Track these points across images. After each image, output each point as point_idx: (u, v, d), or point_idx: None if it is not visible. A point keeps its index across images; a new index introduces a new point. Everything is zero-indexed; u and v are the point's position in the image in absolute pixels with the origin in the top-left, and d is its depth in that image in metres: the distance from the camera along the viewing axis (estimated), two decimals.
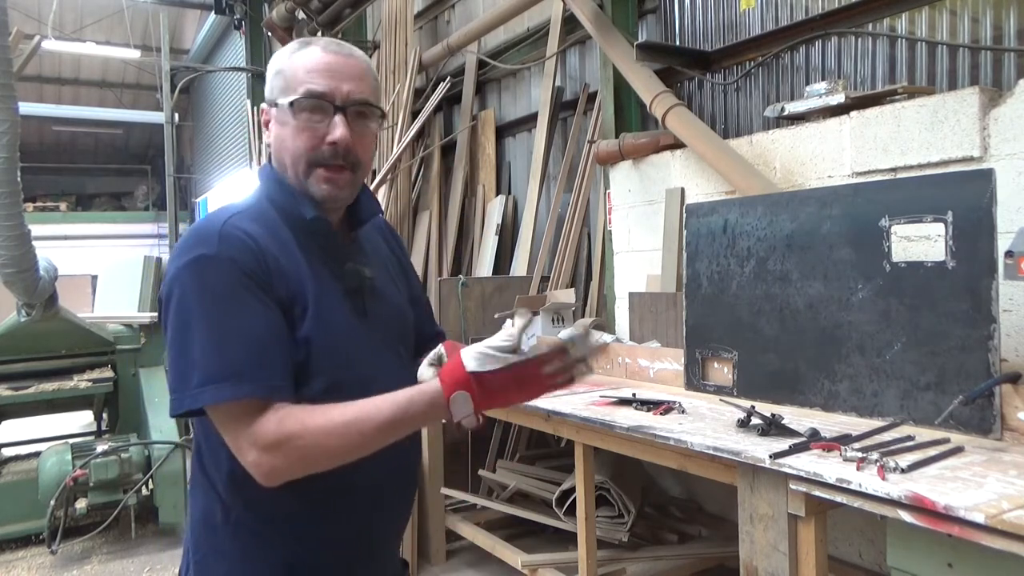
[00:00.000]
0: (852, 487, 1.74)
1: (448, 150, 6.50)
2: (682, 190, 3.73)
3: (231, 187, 13.89)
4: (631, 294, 3.91)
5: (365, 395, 1.20)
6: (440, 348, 1.39)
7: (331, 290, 1.30)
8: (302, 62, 1.30)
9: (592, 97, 4.80)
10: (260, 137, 7.65)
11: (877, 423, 2.34)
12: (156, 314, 5.89)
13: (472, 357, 1.17)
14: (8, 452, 4.83)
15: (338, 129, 1.27)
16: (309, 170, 1.30)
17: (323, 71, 1.28)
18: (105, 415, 5.32)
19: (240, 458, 1.17)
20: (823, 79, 3.38)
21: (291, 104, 1.28)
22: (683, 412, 2.60)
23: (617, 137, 4.12)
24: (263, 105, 1.37)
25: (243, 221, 1.26)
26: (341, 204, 1.36)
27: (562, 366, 1.19)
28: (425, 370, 1.36)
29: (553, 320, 4.15)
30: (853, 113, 2.97)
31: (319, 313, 1.25)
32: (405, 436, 1.25)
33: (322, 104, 1.28)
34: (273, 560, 1.29)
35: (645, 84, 3.87)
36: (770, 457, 1.94)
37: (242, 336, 1.16)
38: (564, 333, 1.25)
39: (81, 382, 4.65)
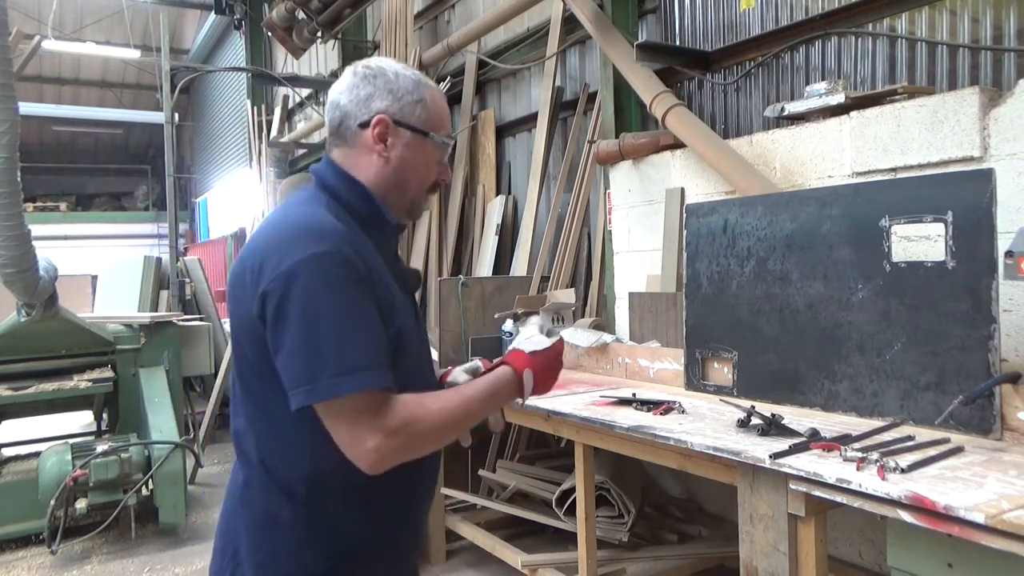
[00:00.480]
0: (852, 487, 1.74)
1: None
2: (682, 190, 3.73)
3: (231, 187, 13.90)
4: (631, 294, 3.91)
5: (421, 385, 1.34)
6: (476, 360, 1.59)
7: (399, 291, 1.38)
8: (441, 104, 1.44)
9: (592, 97, 4.80)
10: (260, 137, 7.66)
11: (877, 423, 2.34)
12: (156, 314, 5.89)
13: (524, 344, 1.46)
14: (8, 452, 4.83)
15: (449, 171, 1.48)
16: (426, 195, 1.46)
17: (449, 121, 1.48)
18: (105, 415, 5.32)
19: (356, 445, 1.19)
20: (823, 79, 3.38)
21: (439, 143, 1.43)
22: (683, 412, 2.61)
23: (617, 137, 4.12)
24: (382, 115, 1.37)
25: (336, 223, 1.30)
26: None
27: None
28: (460, 375, 1.54)
29: (553, 320, 4.15)
30: (853, 113, 2.97)
31: (399, 312, 1.34)
32: None
33: (449, 149, 1.48)
34: (341, 550, 1.33)
35: (645, 84, 3.87)
36: (770, 457, 1.94)
37: (368, 330, 1.23)
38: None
39: (81, 382, 4.65)
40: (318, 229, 1.26)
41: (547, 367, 1.47)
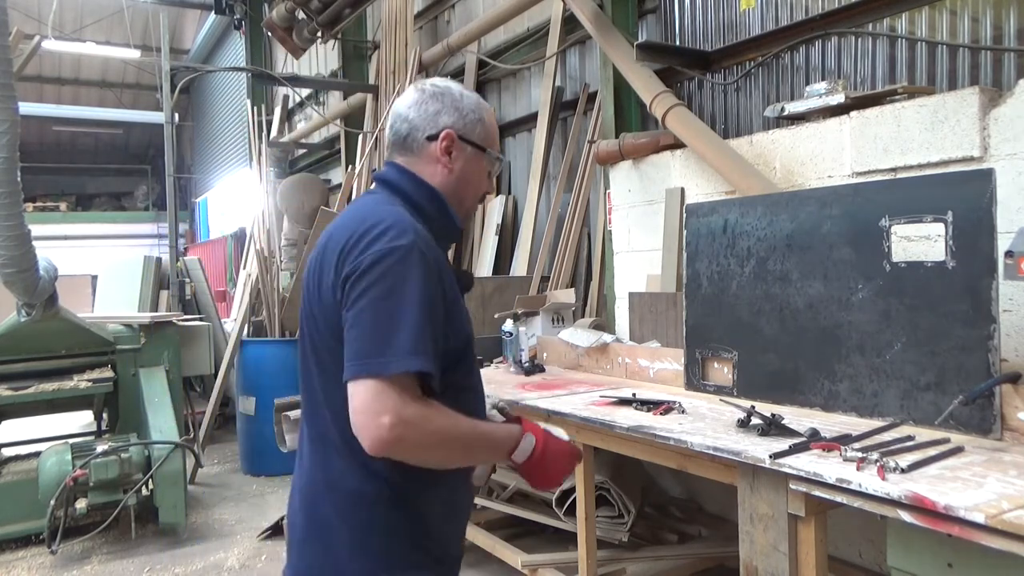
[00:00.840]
0: (852, 487, 1.74)
1: None
2: (682, 190, 3.73)
3: (231, 187, 13.90)
4: (631, 294, 3.91)
5: (478, 371, 1.55)
6: (504, 403, 1.78)
7: (456, 286, 1.48)
8: (494, 124, 1.61)
9: (592, 97, 4.80)
10: (260, 137, 7.65)
11: (877, 423, 2.34)
12: (156, 314, 5.90)
13: (553, 430, 1.56)
14: (8, 452, 4.82)
15: (493, 185, 1.63)
16: (477, 204, 1.64)
17: (498, 140, 1.64)
18: (105, 415, 5.31)
19: (370, 417, 1.25)
20: (823, 79, 3.38)
21: (493, 158, 1.59)
22: (683, 412, 2.60)
23: (617, 137, 4.12)
24: (449, 130, 1.52)
25: (415, 221, 1.41)
26: None
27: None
28: (492, 412, 1.70)
29: (553, 320, 4.15)
30: (853, 113, 2.97)
31: (462, 309, 1.47)
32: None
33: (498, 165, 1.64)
34: (420, 529, 1.44)
35: (645, 84, 3.87)
36: (770, 457, 1.94)
37: (431, 321, 1.32)
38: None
39: (81, 382, 4.64)
40: (401, 224, 1.36)
41: (555, 455, 1.51)
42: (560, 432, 1.55)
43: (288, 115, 10.45)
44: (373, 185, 1.58)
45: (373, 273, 1.30)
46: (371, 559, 1.40)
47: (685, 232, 3.16)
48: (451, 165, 1.53)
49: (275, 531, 4.47)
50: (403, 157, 1.54)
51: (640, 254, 4.04)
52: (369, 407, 1.25)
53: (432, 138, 1.51)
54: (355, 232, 1.36)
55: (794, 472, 1.87)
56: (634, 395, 2.86)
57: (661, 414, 2.59)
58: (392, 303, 1.30)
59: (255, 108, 8.00)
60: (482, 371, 1.75)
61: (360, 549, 1.39)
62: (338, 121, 8.21)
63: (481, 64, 6.06)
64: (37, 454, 4.54)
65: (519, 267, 5.26)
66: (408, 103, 1.54)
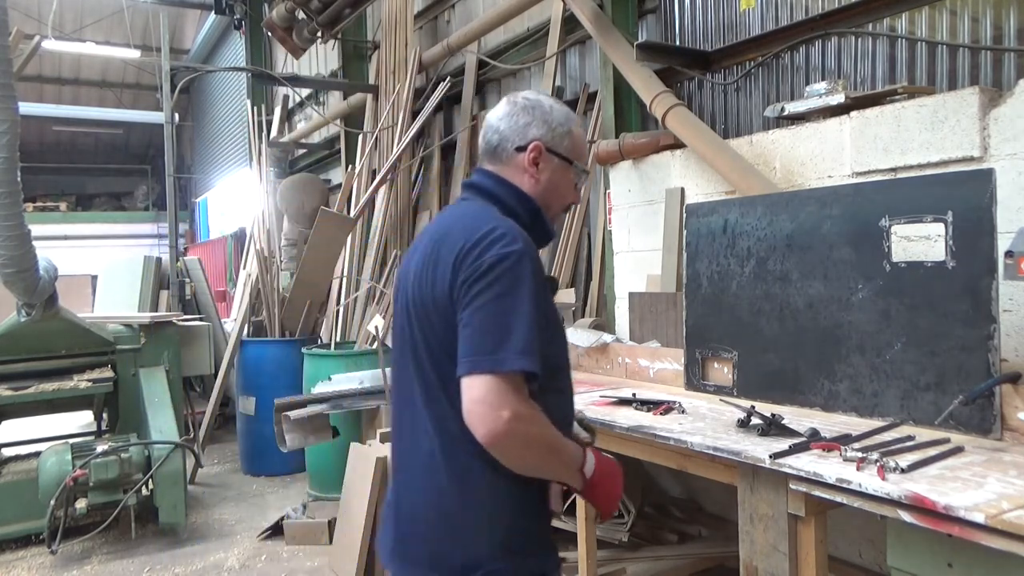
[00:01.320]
0: (852, 487, 1.74)
1: (448, 150, 6.50)
2: (682, 190, 3.73)
3: (231, 187, 13.90)
4: (631, 294, 3.91)
5: (568, 372, 1.62)
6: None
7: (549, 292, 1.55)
8: (583, 139, 1.67)
9: (592, 97, 4.80)
10: (260, 137, 7.65)
11: (877, 423, 2.34)
12: (156, 314, 5.90)
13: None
14: (8, 452, 4.82)
15: (581, 195, 1.67)
16: (562, 212, 1.69)
17: (587, 155, 1.70)
18: (105, 415, 5.31)
19: (491, 411, 1.33)
20: (823, 79, 3.38)
21: (579, 171, 1.65)
22: (683, 412, 2.61)
23: (617, 137, 4.12)
24: (537, 142, 1.59)
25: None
26: None
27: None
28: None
29: None
30: (853, 113, 2.97)
31: (552, 306, 1.54)
32: None
33: (584, 178, 1.70)
34: (537, 512, 1.53)
35: (645, 84, 3.87)
36: (770, 457, 1.94)
37: (541, 324, 1.40)
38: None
39: (81, 382, 4.64)
40: (513, 232, 1.45)
41: (611, 473, 1.57)
42: (606, 456, 1.59)
43: (288, 115, 10.44)
44: (464, 191, 1.65)
45: (490, 276, 1.39)
46: (499, 543, 1.46)
47: (685, 232, 3.16)
48: (538, 176, 1.60)
49: (275, 531, 4.47)
50: (493, 166, 1.62)
51: (640, 254, 4.04)
52: (488, 400, 1.33)
53: (521, 149, 1.59)
54: (471, 238, 1.43)
55: (794, 472, 1.87)
56: (634, 395, 2.86)
57: (661, 414, 2.59)
58: (507, 305, 1.38)
59: (255, 108, 8.00)
60: None
61: (488, 534, 1.46)
62: (338, 121, 8.21)
63: (481, 64, 6.06)
64: (37, 454, 4.54)
65: None
66: (500, 115, 1.62)
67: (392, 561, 1.58)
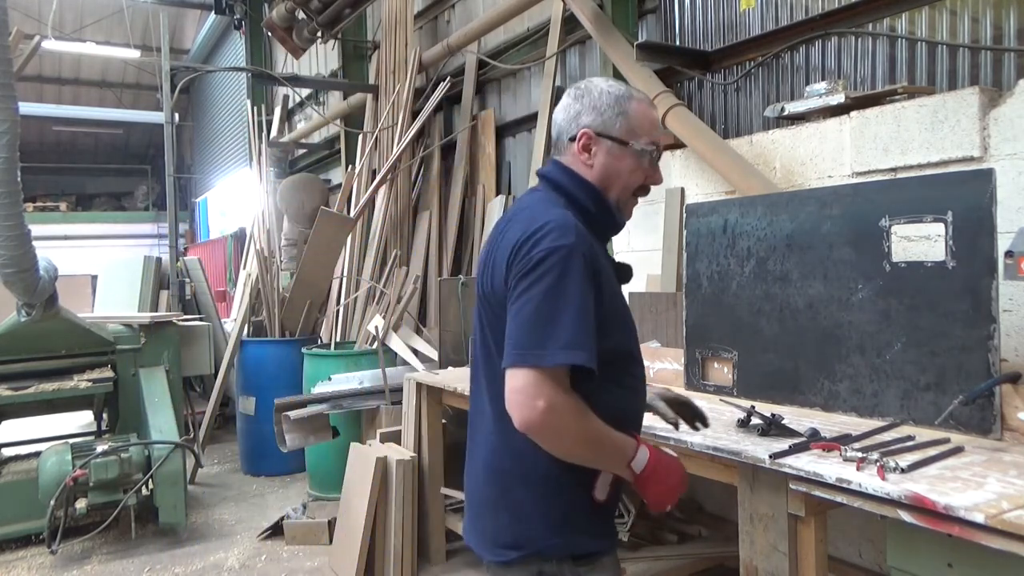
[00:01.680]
0: (852, 487, 1.74)
1: (448, 150, 6.50)
2: (682, 190, 3.73)
3: (231, 187, 13.91)
4: (631, 294, 3.91)
5: (641, 364, 1.64)
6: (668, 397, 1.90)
7: (615, 281, 1.60)
8: (644, 114, 1.62)
9: None
10: (260, 137, 7.65)
11: (877, 423, 2.34)
12: (156, 314, 5.89)
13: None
14: (8, 452, 4.82)
15: (660, 174, 1.63)
16: (631, 198, 1.64)
17: (656, 127, 1.63)
18: (105, 415, 5.31)
19: (527, 400, 1.38)
20: (823, 79, 3.38)
21: (636, 148, 1.59)
22: None
23: None
24: (586, 129, 1.60)
25: (576, 221, 1.51)
26: None
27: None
28: (657, 402, 1.86)
29: None
30: (853, 113, 2.97)
31: (619, 299, 1.58)
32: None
33: (655, 153, 1.62)
34: (589, 500, 1.55)
35: (645, 84, 3.87)
36: (770, 457, 1.94)
37: (587, 318, 1.42)
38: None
39: (81, 382, 4.64)
40: (565, 226, 1.47)
41: (667, 469, 1.55)
42: (672, 452, 1.60)
43: (288, 115, 10.45)
44: (537, 181, 1.69)
45: (538, 270, 1.42)
46: (552, 521, 1.53)
47: (685, 232, 3.16)
48: (590, 162, 1.61)
49: (275, 531, 4.47)
50: (559, 156, 1.66)
51: (640, 254, 4.05)
52: (526, 390, 1.39)
53: (573, 139, 1.61)
54: (527, 230, 1.47)
55: (794, 472, 1.87)
56: None
57: None
58: (552, 298, 1.41)
59: (255, 108, 8.00)
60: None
61: (541, 512, 1.53)
62: (338, 121, 8.21)
63: (481, 64, 6.06)
64: (37, 454, 4.54)
65: None
66: (560, 107, 1.67)
67: (469, 538, 1.69)
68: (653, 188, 1.71)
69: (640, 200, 1.71)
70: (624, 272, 1.67)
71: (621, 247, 4.16)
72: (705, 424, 1.98)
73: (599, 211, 1.60)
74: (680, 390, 3.05)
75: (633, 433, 1.58)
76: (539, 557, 1.53)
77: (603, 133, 1.60)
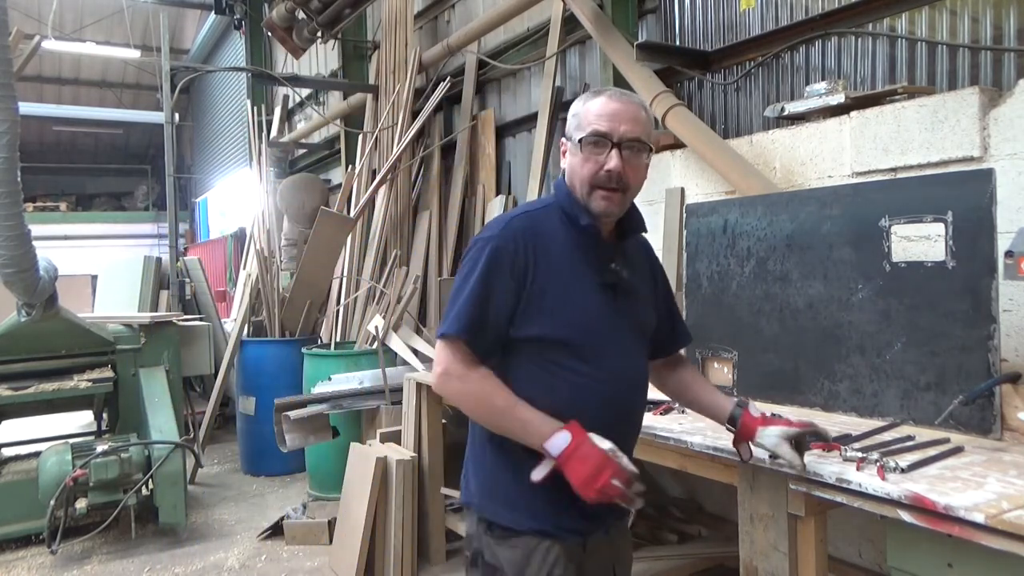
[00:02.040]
0: (852, 487, 1.74)
1: (448, 150, 6.50)
2: (682, 190, 3.73)
3: (231, 187, 13.91)
4: None
5: (605, 360, 1.66)
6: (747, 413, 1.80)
7: (588, 279, 1.68)
8: (592, 108, 1.66)
9: None
10: (260, 137, 7.65)
11: (877, 423, 2.34)
12: (156, 314, 5.90)
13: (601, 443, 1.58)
14: (8, 452, 4.82)
15: (612, 160, 1.63)
16: (591, 191, 1.66)
17: (606, 115, 1.64)
18: (105, 415, 5.31)
19: (435, 368, 1.66)
20: (823, 79, 3.38)
21: (580, 140, 1.65)
22: (683, 412, 2.60)
23: None
24: (563, 139, 1.73)
25: (525, 220, 1.68)
26: (613, 218, 1.71)
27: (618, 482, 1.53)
28: (782, 447, 1.73)
29: None
30: (853, 113, 2.97)
31: (571, 294, 1.65)
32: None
33: (602, 141, 1.63)
34: (515, 476, 1.65)
35: (645, 84, 3.87)
36: (770, 457, 1.93)
37: (483, 304, 1.61)
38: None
39: (81, 382, 4.64)
40: (498, 222, 1.69)
41: (582, 457, 1.54)
42: (604, 443, 1.55)
43: (288, 115, 10.44)
44: None
45: (463, 259, 1.68)
46: (482, 487, 1.73)
47: (685, 232, 3.16)
48: (563, 166, 1.74)
49: (275, 531, 4.47)
50: None
51: None
52: (436, 357, 1.67)
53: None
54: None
55: (794, 472, 1.87)
56: None
57: (661, 414, 2.59)
58: (461, 282, 1.64)
59: (255, 108, 8.00)
60: None
61: (478, 477, 1.75)
62: (338, 121, 8.21)
63: (481, 64, 6.06)
64: (37, 454, 4.54)
65: None
66: None
67: None
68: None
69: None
70: (609, 276, 1.69)
71: None
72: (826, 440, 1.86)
73: (571, 208, 1.69)
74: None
75: (571, 420, 1.58)
76: (474, 510, 1.74)
77: (566, 137, 1.72)
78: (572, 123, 1.70)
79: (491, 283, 1.61)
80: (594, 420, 1.61)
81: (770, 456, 1.80)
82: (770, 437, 1.73)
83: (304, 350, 5.27)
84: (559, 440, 1.54)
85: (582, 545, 1.69)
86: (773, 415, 1.83)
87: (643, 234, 1.85)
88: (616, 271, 1.70)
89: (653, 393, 2.96)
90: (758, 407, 1.84)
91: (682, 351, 2.02)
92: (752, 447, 1.82)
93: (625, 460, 1.55)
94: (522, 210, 1.74)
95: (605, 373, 1.66)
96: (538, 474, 1.58)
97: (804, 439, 1.76)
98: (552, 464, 1.57)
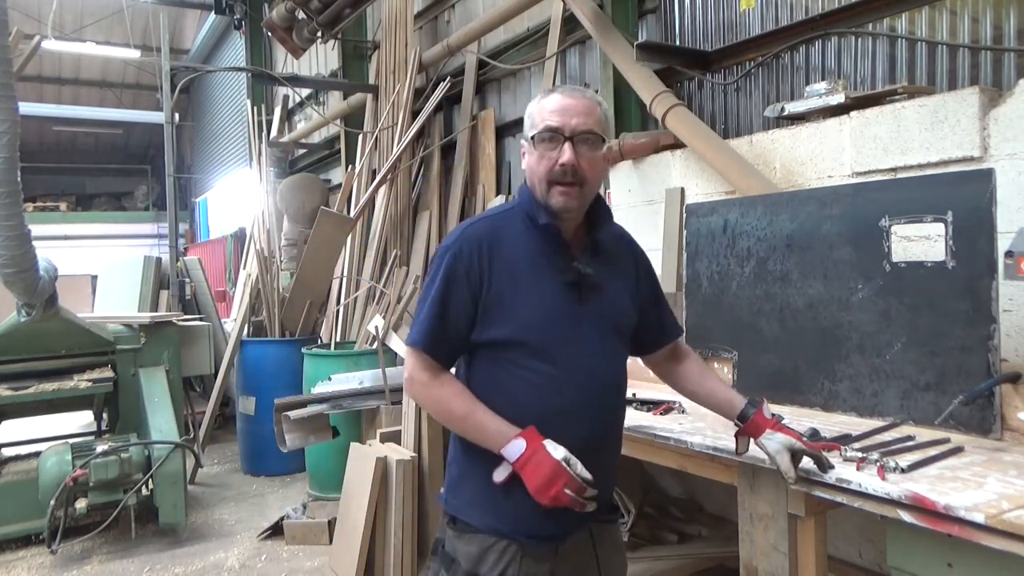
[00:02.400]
0: (852, 487, 1.74)
1: (448, 150, 6.50)
2: (682, 190, 3.73)
3: (231, 187, 13.90)
4: None
5: (569, 360, 1.65)
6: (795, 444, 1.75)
7: (550, 279, 1.67)
8: (545, 105, 1.67)
9: None
10: (260, 137, 7.65)
11: (877, 423, 2.34)
12: (156, 314, 5.90)
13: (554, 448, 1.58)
14: (8, 452, 4.82)
15: (566, 154, 1.62)
16: (549, 187, 1.65)
17: (558, 110, 1.64)
18: (105, 415, 5.31)
19: (406, 372, 1.72)
20: (823, 79, 3.38)
21: (533, 138, 1.66)
22: (683, 412, 2.60)
23: (617, 137, 4.12)
24: (522, 141, 1.73)
25: (484, 226, 1.71)
26: (574, 213, 1.68)
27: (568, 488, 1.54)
28: (775, 443, 1.74)
29: None
30: (853, 113, 2.97)
31: (531, 295, 1.65)
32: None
33: (555, 136, 1.63)
34: (482, 474, 1.66)
35: (645, 84, 3.87)
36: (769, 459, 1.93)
37: (442, 314, 1.65)
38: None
39: (81, 382, 4.64)
40: (458, 230, 1.71)
41: (535, 465, 1.55)
42: (558, 451, 1.55)
43: (288, 115, 10.44)
44: None
45: (432, 265, 1.71)
46: (451, 481, 1.78)
47: (685, 232, 3.16)
48: (524, 165, 1.73)
49: (275, 531, 4.47)
50: None
51: None
52: (405, 363, 1.73)
53: None
54: None
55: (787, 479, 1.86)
56: (634, 395, 2.85)
57: (661, 414, 2.59)
58: (425, 291, 1.70)
59: (255, 108, 8.00)
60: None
61: (449, 472, 1.80)
62: (338, 121, 8.21)
63: (481, 64, 6.06)
64: (37, 454, 4.54)
65: None
66: None
67: None
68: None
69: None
70: (570, 272, 1.67)
71: None
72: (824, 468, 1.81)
73: (531, 209, 1.69)
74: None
75: (529, 426, 1.58)
76: (442, 503, 1.78)
77: (525, 137, 1.71)
78: (527, 123, 1.70)
79: (448, 292, 1.64)
80: (557, 421, 1.61)
81: (769, 458, 1.79)
82: (774, 443, 1.73)
83: (304, 350, 5.27)
84: (514, 448, 1.56)
85: (554, 549, 1.68)
86: (783, 423, 1.80)
87: (621, 227, 1.87)
88: (579, 268, 1.68)
89: (649, 392, 2.98)
90: (771, 408, 1.83)
91: (684, 344, 2.02)
92: (751, 444, 1.82)
93: (579, 468, 1.54)
94: (482, 216, 1.77)
95: (568, 373, 1.65)
96: (499, 475, 1.61)
97: (803, 456, 1.75)
98: (511, 467, 1.59)
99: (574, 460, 1.55)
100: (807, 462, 1.76)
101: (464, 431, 1.67)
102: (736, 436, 1.85)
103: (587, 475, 1.55)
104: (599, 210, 1.74)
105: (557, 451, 1.55)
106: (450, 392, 1.66)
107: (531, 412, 1.61)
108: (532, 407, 1.62)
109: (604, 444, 1.74)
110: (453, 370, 1.76)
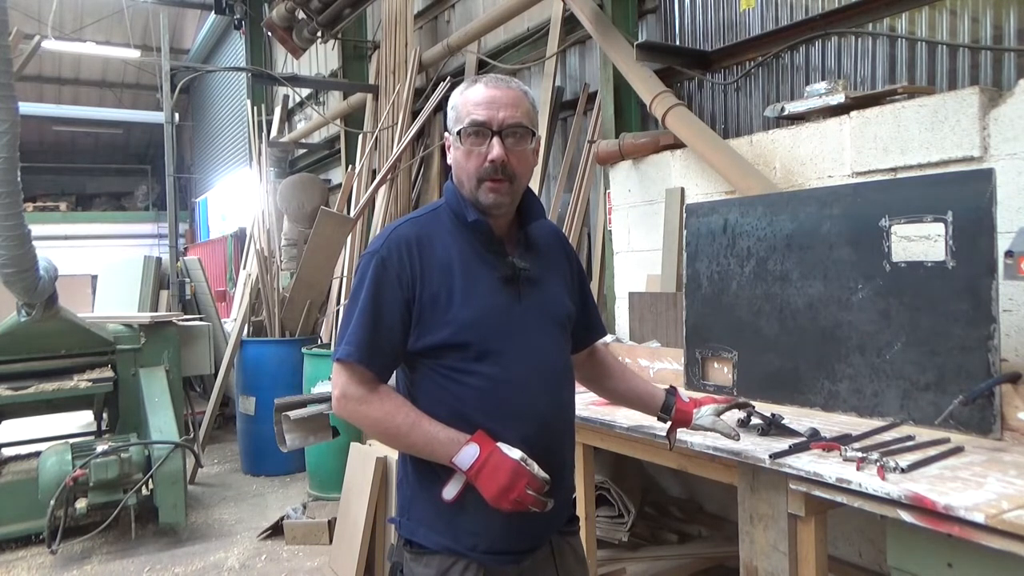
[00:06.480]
0: (852, 487, 1.74)
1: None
2: (682, 190, 3.73)
3: (231, 187, 13.90)
4: (631, 294, 3.91)
5: (514, 359, 1.58)
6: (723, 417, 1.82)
7: (485, 276, 1.60)
8: (470, 97, 1.59)
9: (592, 97, 4.80)
10: (260, 137, 7.65)
11: (877, 423, 2.34)
12: (156, 314, 5.90)
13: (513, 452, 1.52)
14: (8, 452, 4.82)
15: (494, 150, 1.54)
16: (478, 184, 1.57)
17: (483, 103, 1.56)
18: (105, 415, 5.31)
19: (334, 391, 1.58)
20: (823, 79, 3.38)
21: (459, 133, 1.57)
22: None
23: (617, 137, 4.12)
24: (446, 135, 1.65)
25: (411, 227, 1.62)
26: (506, 209, 1.62)
27: (528, 490, 1.48)
28: (707, 417, 1.81)
29: None
30: (853, 113, 2.97)
31: (468, 295, 1.57)
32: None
33: (482, 130, 1.55)
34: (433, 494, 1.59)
35: (645, 84, 3.87)
36: (770, 457, 1.94)
37: (374, 322, 1.55)
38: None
39: (81, 382, 4.64)
40: (382, 235, 1.62)
41: (493, 468, 1.48)
42: (514, 452, 1.50)
43: (288, 115, 10.44)
44: None
45: (357, 274, 1.62)
46: (402, 501, 1.68)
47: (685, 232, 3.16)
48: (450, 160, 1.64)
49: (275, 531, 4.47)
50: None
51: (640, 254, 4.04)
52: (334, 381, 1.59)
53: None
54: None
55: (794, 472, 1.87)
56: None
57: None
58: (351, 301, 1.60)
59: (255, 108, 8.00)
60: None
61: (400, 491, 1.71)
62: (338, 121, 8.21)
63: (481, 64, 6.06)
64: (37, 454, 4.54)
65: None
66: None
67: None
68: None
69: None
70: (506, 267, 1.61)
71: (621, 247, 4.16)
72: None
73: (458, 207, 1.62)
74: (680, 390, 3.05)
75: (478, 431, 1.52)
76: (395, 526, 1.69)
77: (450, 132, 1.63)
78: (451, 116, 1.61)
79: (379, 299, 1.54)
80: (507, 424, 1.55)
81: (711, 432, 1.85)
82: (705, 417, 1.80)
83: (304, 350, 5.27)
84: (467, 454, 1.49)
85: (516, 565, 1.63)
86: (691, 399, 1.87)
87: (552, 223, 1.82)
88: (514, 263, 1.61)
89: None
90: (685, 392, 1.89)
91: (604, 342, 1.96)
92: (680, 432, 1.89)
93: (536, 467, 1.49)
94: (407, 218, 1.67)
95: (513, 372, 1.58)
96: (449, 492, 1.54)
97: (731, 411, 1.85)
98: (463, 480, 1.52)
99: (531, 461, 1.49)
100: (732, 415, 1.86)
101: (410, 446, 1.56)
102: (668, 435, 1.88)
103: (545, 476, 1.49)
104: (530, 204, 1.68)
105: (513, 452, 1.49)
106: (391, 406, 1.55)
107: (479, 418, 1.54)
108: (479, 413, 1.55)
109: (558, 443, 1.68)
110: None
